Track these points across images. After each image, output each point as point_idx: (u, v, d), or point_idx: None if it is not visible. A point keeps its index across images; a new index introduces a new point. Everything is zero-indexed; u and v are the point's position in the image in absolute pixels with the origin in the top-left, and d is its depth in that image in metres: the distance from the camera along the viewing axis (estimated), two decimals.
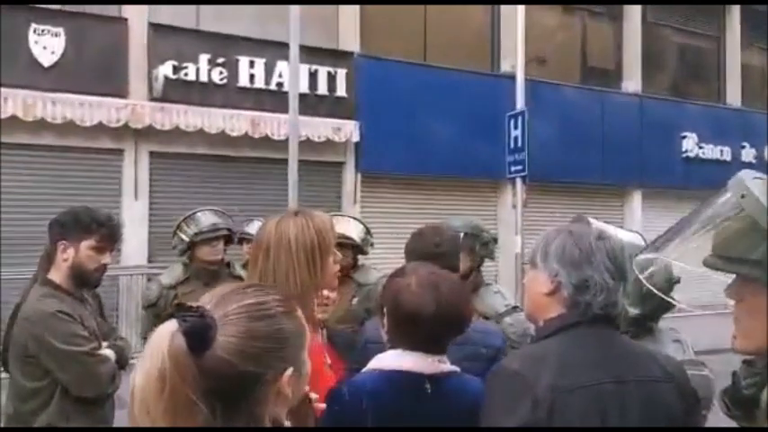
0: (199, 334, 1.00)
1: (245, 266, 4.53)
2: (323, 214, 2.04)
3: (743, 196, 1.18)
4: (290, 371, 1.09)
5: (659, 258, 1.36)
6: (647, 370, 1.55)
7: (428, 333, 1.79)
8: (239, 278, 4.13)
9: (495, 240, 3.44)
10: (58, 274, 2.72)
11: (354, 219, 4.19)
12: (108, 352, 2.74)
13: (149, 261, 9.53)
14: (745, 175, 1.20)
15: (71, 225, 2.71)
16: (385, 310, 1.86)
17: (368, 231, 3.98)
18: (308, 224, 1.94)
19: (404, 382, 1.78)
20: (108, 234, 2.78)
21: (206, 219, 4.05)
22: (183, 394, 0.98)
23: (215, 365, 1.00)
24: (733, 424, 1.65)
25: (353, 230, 3.98)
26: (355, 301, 3.75)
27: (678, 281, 2.08)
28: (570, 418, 1.42)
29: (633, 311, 2.20)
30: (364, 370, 1.85)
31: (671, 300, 1.34)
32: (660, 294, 1.51)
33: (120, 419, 2.97)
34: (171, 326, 1.02)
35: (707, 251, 1.24)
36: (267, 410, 1.08)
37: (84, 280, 2.77)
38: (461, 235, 3.03)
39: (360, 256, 4.00)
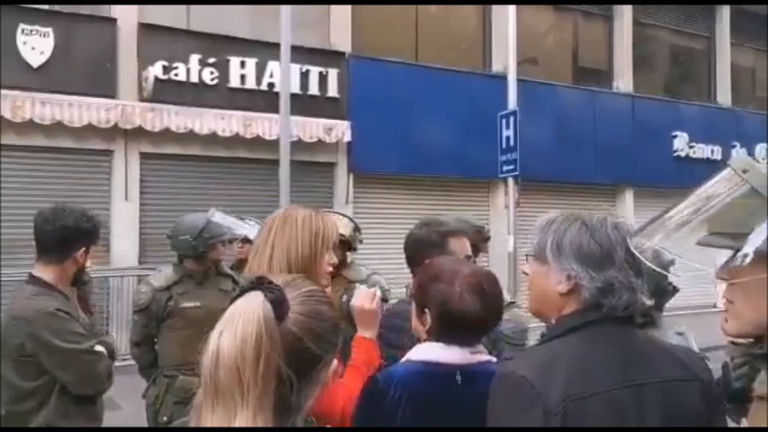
0: (281, 304, 1.07)
1: (232, 268, 4.53)
2: (338, 215, 2.16)
3: (745, 171, 1.13)
4: (335, 361, 1.15)
5: (649, 245, 1.29)
6: (667, 371, 1.44)
7: (473, 330, 1.89)
8: (228, 276, 4.14)
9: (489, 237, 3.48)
10: (51, 274, 2.69)
11: (343, 215, 4.16)
12: (101, 349, 2.73)
13: (140, 262, 9.48)
14: (744, 155, 1.17)
15: (94, 232, 2.75)
16: (429, 311, 1.89)
17: (356, 228, 3.97)
18: (316, 214, 2.06)
19: (435, 373, 1.83)
20: (98, 236, 2.83)
21: (227, 220, 4.34)
22: (275, 360, 1.03)
23: (286, 338, 1.06)
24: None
25: (343, 226, 3.98)
26: (345, 298, 3.74)
27: (673, 262, 2.00)
28: (585, 426, 1.33)
29: (648, 303, 2.14)
30: (402, 361, 1.91)
31: (672, 276, 1.24)
32: (662, 271, 1.40)
33: (108, 420, 2.95)
34: (257, 296, 1.06)
35: (700, 235, 1.19)
36: (309, 401, 1.12)
37: (79, 278, 2.82)
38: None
39: (348, 254, 3.98)
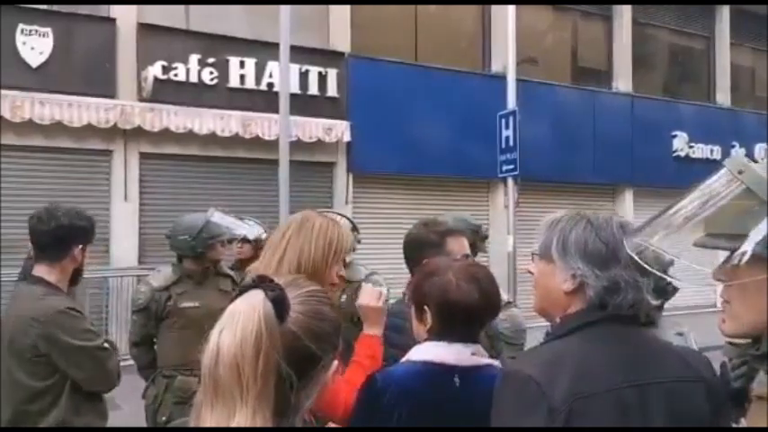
0: (282, 303, 1.07)
1: (232, 268, 4.53)
2: (337, 215, 2.15)
3: (740, 171, 1.13)
4: (336, 363, 1.15)
5: (647, 246, 1.29)
6: (672, 371, 1.44)
7: (472, 321, 1.89)
8: (228, 276, 4.14)
9: (486, 236, 3.50)
10: (54, 274, 2.69)
11: (341, 215, 4.17)
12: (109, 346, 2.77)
13: (139, 262, 9.48)
14: (740, 155, 1.16)
15: (90, 229, 2.77)
16: (428, 308, 1.91)
17: (354, 227, 3.97)
18: (333, 223, 2.09)
19: (434, 374, 1.83)
20: (94, 233, 2.84)
21: (226, 220, 4.35)
22: (275, 359, 1.03)
23: (286, 337, 1.06)
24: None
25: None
26: (344, 298, 3.74)
27: (672, 263, 2.00)
28: (589, 425, 1.33)
29: (654, 302, 2.11)
30: (403, 360, 1.91)
31: (672, 279, 1.21)
32: (660, 274, 1.40)
33: (112, 420, 2.95)
34: (258, 294, 1.06)
35: (697, 236, 1.19)
36: (308, 401, 1.11)
37: (76, 281, 2.81)
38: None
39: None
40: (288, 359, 1.05)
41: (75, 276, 2.79)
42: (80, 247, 2.72)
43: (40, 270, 2.71)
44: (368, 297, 2.20)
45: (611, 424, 1.33)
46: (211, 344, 1.04)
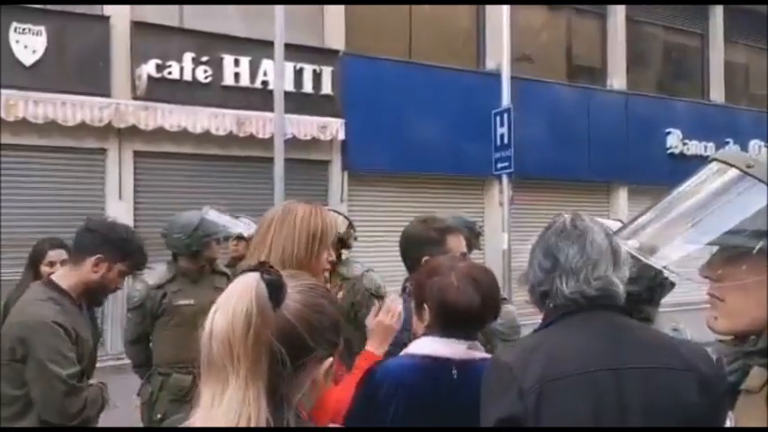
0: (277, 288, 1.09)
1: (228, 266, 4.52)
2: (333, 212, 2.10)
3: (749, 166, 1.12)
4: (330, 359, 1.15)
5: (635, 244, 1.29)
6: (655, 357, 1.46)
7: (471, 321, 1.91)
8: (223, 274, 4.14)
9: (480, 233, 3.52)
10: (68, 280, 2.59)
11: (337, 212, 4.18)
12: (92, 391, 2.59)
13: None
14: (727, 150, 1.16)
15: (117, 244, 2.62)
16: (427, 306, 1.93)
17: (350, 225, 3.98)
18: (316, 211, 2.05)
19: (431, 367, 1.86)
20: (140, 262, 2.75)
21: (221, 218, 4.41)
22: (266, 336, 1.05)
23: (280, 323, 1.08)
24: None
25: (338, 224, 3.98)
26: (340, 294, 3.74)
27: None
28: (559, 407, 1.38)
29: (642, 291, 2.08)
30: (401, 354, 1.93)
31: (659, 267, 1.19)
32: (646, 260, 1.39)
33: (105, 420, 2.92)
34: (254, 276, 1.09)
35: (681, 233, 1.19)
36: (299, 392, 1.12)
37: (96, 298, 2.71)
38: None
39: (343, 251, 3.99)
40: (281, 343, 1.06)
41: (96, 292, 2.64)
42: (95, 257, 2.56)
43: (61, 273, 2.66)
44: (387, 315, 2.12)
45: (582, 406, 1.40)
46: (207, 323, 1.08)
